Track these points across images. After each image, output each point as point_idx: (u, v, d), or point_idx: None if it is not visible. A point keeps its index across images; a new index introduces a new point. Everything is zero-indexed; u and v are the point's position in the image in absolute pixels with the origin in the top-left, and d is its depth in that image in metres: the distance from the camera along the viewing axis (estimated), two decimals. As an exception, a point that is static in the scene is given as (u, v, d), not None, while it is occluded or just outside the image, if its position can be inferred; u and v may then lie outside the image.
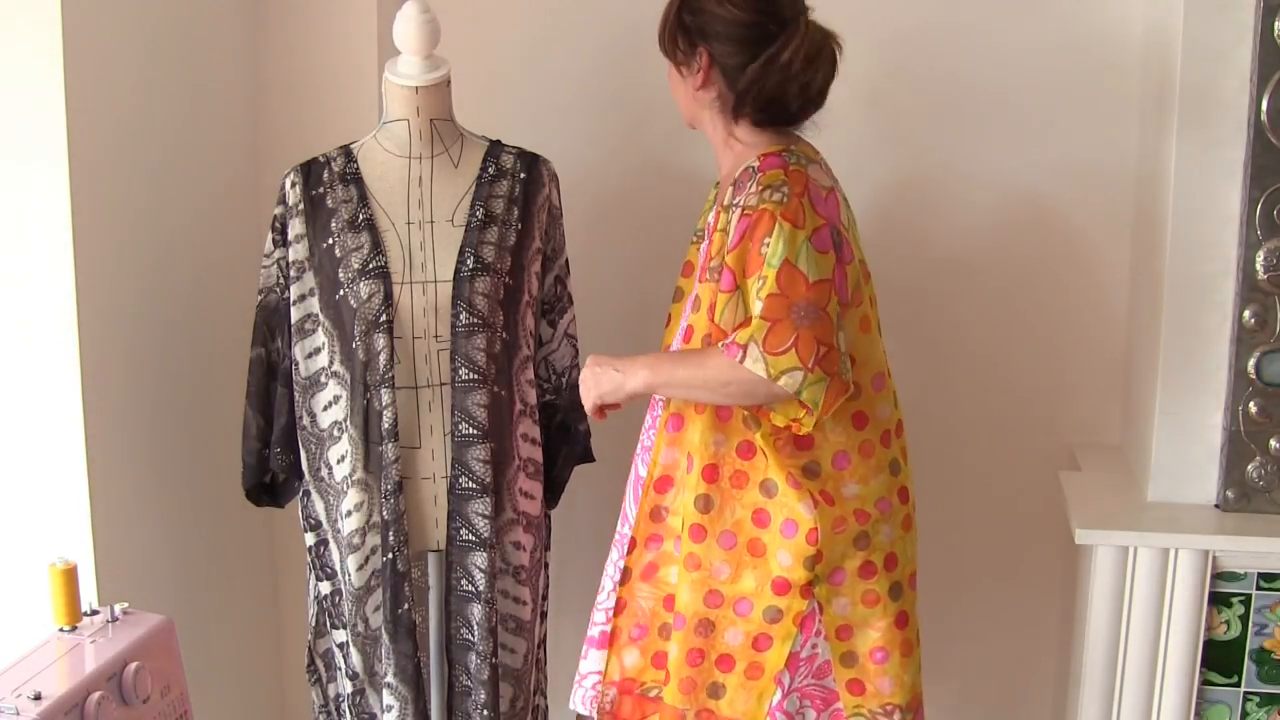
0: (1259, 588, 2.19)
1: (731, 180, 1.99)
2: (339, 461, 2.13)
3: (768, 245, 1.86)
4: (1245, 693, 2.24)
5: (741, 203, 1.92)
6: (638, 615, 2.08)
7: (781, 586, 1.97)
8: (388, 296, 2.08)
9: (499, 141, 2.22)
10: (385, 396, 2.07)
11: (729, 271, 1.91)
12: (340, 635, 2.20)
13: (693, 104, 2.03)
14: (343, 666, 2.21)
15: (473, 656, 2.14)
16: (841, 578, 1.99)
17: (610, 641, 2.10)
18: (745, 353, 1.82)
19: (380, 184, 2.14)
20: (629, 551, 2.08)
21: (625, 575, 2.08)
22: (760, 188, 1.90)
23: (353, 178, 2.14)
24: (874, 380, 1.99)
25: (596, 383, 1.99)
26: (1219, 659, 2.22)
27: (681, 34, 1.98)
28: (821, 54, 1.94)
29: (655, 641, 2.07)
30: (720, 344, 1.87)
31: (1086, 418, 2.66)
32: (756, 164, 1.94)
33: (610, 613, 2.11)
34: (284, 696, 2.77)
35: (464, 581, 2.13)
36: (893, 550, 2.02)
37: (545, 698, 2.40)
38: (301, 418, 2.17)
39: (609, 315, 2.47)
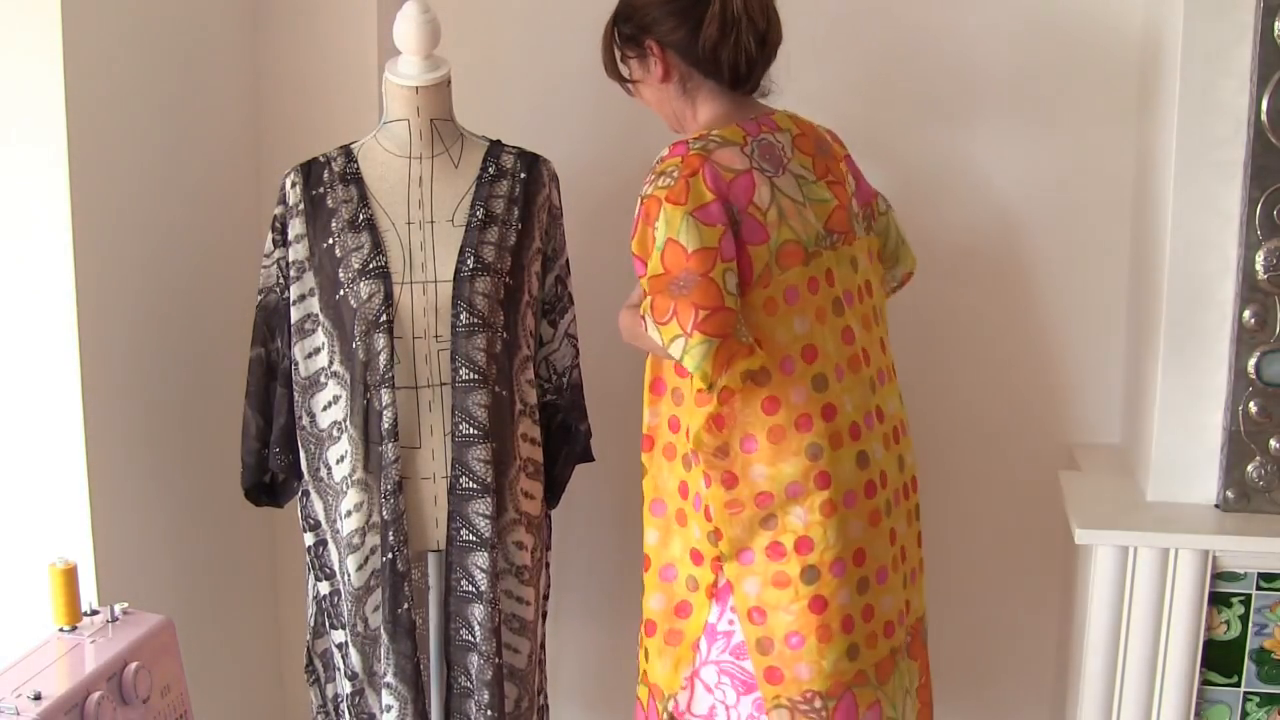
0: (1259, 588, 2.19)
1: None
2: (338, 461, 2.13)
3: (657, 228, 1.93)
4: (1245, 693, 2.24)
5: (641, 192, 1.99)
6: None
7: (697, 557, 2.05)
8: (388, 296, 2.08)
9: (499, 141, 2.22)
10: (385, 396, 2.07)
11: (636, 259, 1.99)
12: (339, 635, 2.20)
13: (666, 103, 2.08)
14: (342, 667, 2.21)
15: (474, 657, 2.14)
16: (750, 558, 2.01)
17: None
18: (645, 322, 1.93)
19: (380, 184, 2.14)
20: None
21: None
22: (655, 175, 1.97)
23: (353, 178, 2.14)
24: (782, 364, 1.97)
25: (623, 324, 2.11)
26: (1219, 659, 2.22)
27: (622, 45, 2.06)
28: (767, 4, 2.02)
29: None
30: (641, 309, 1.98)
31: (1086, 418, 2.66)
32: (665, 153, 1.99)
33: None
34: (284, 696, 2.77)
35: (464, 582, 2.13)
36: (807, 535, 1.98)
37: (547, 697, 2.40)
38: (301, 418, 2.17)
39: (609, 315, 2.46)
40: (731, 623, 2.04)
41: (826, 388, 1.99)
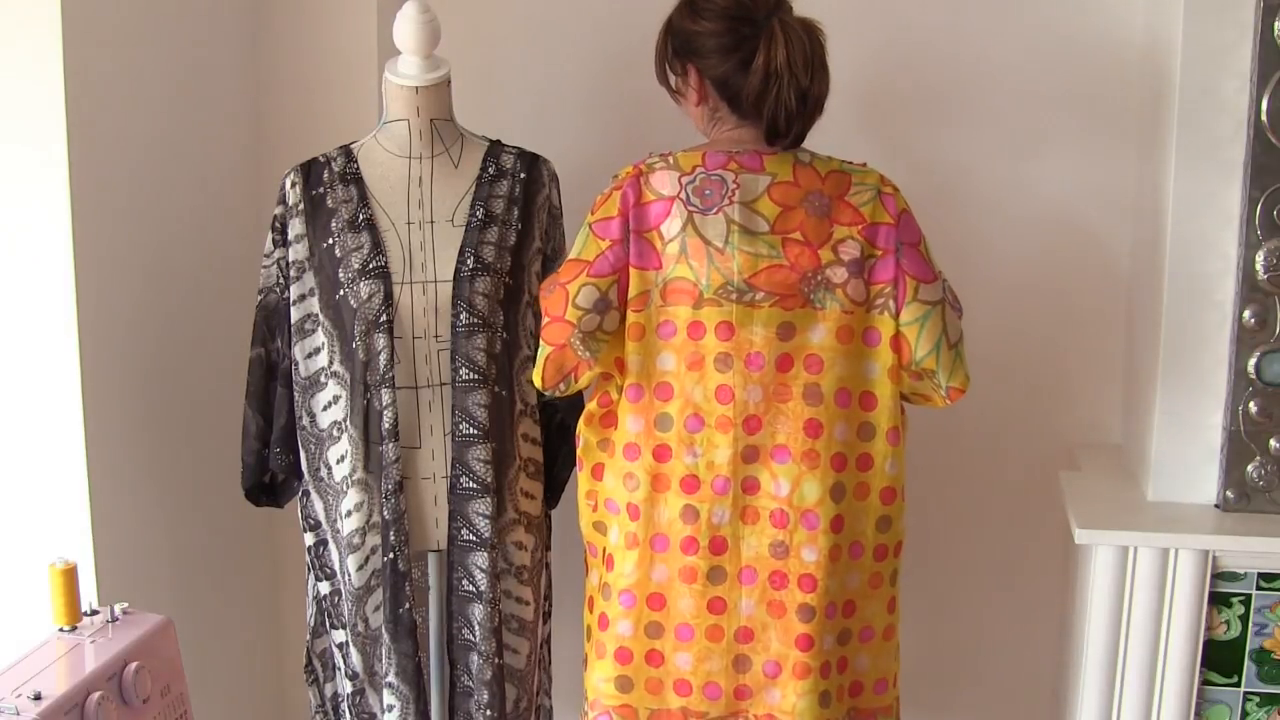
0: (1259, 588, 2.19)
1: None
2: (338, 461, 2.13)
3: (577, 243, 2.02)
4: (1245, 693, 2.23)
5: None
6: None
7: (590, 602, 2.16)
8: (388, 296, 2.08)
9: (499, 141, 2.22)
10: (385, 396, 2.07)
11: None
12: (340, 635, 2.20)
13: (697, 120, 2.07)
14: (342, 666, 2.21)
15: (474, 657, 2.14)
16: (594, 552, 2.12)
17: None
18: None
19: (380, 184, 2.14)
20: None
21: None
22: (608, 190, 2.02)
23: (353, 178, 2.14)
24: (631, 389, 1.97)
25: None
26: (1219, 659, 2.22)
27: (670, 59, 2.04)
28: (813, 59, 1.93)
29: None
30: None
31: (1086, 418, 2.66)
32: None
33: None
34: (284, 696, 2.77)
35: (465, 582, 2.13)
36: (613, 553, 2.03)
37: (549, 698, 2.40)
38: (301, 418, 2.17)
39: (609, 315, 2.47)
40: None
41: (669, 429, 1.96)
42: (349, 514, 2.12)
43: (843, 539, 1.98)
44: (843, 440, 1.97)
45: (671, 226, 1.94)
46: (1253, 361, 2.21)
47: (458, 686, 2.17)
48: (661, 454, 1.97)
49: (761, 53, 1.92)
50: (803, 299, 1.94)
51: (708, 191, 1.95)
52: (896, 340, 1.97)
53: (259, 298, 2.19)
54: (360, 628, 2.15)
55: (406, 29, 2.12)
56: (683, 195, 1.95)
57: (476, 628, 2.13)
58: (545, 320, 1.98)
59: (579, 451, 2.09)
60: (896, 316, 1.97)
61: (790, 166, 1.97)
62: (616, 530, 2.03)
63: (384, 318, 2.07)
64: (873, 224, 1.97)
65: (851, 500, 1.99)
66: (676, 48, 2.01)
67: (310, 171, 2.15)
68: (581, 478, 2.10)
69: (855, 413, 1.98)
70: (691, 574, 1.98)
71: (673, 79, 2.04)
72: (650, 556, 1.99)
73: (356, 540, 2.12)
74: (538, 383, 2.01)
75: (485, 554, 2.11)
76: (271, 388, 2.20)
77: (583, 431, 2.07)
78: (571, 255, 1.98)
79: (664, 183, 1.96)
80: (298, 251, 2.15)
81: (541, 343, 1.98)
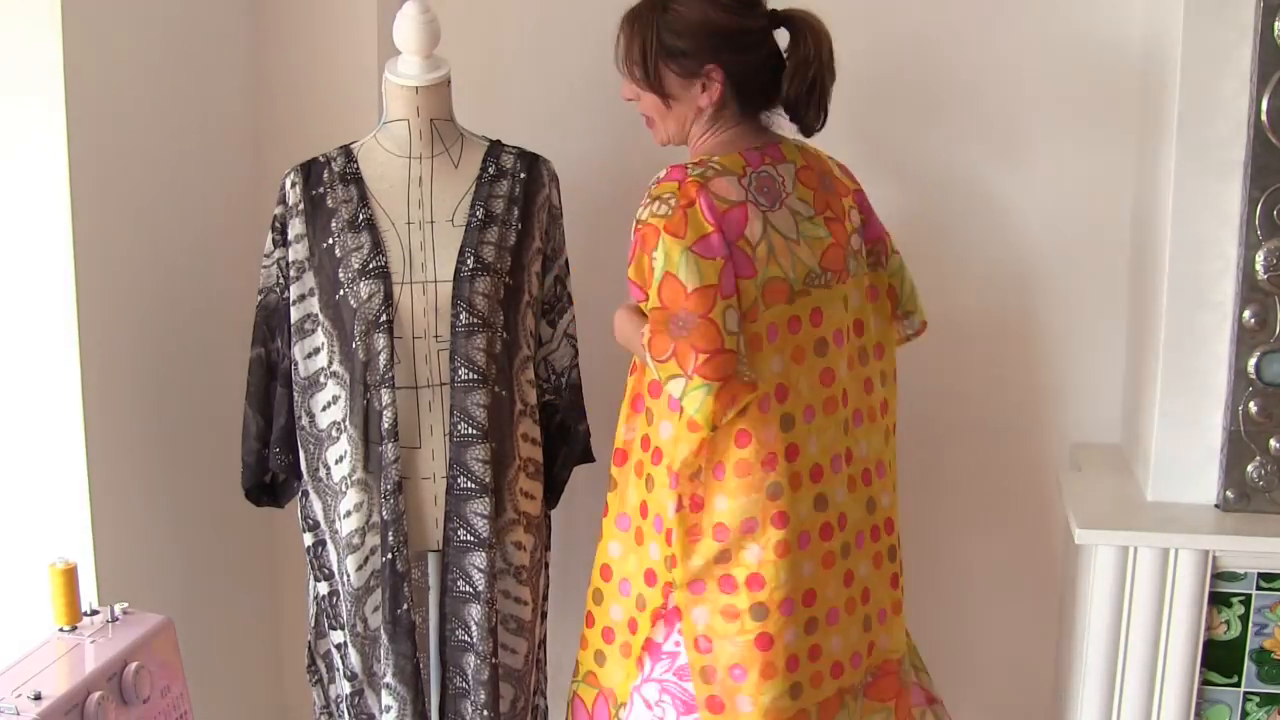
0: (1259, 588, 2.19)
1: None
2: (337, 462, 2.13)
3: (655, 259, 1.91)
4: (1245, 693, 2.24)
5: (636, 215, 1.97)
6: None
7: (650, 577, 2.05)
8: (388, 296, 2.08)
9: (499, 141, 2.22)
10: (385, 396, 2.07)
11: (633, 284, 1.99)
12: (338, 636, 2.20)
13: (677, 120, 2.04)
14: (341, 667, 2.21)
15: (471, 657, 2.14)
16: (701, 588, 1.99)
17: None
18: (645, 354, 1.94)
19: (380, 184, 2.14)
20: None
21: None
22: (650, 200, 1.95)
23: (353, 178, 2.14)
24: (761, 401, 1.95)
25: (618, 326, 2.08)
26: (1219, 659, 2.22)
27: (667, 58, 1.98)
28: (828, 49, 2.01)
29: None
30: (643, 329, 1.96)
31: (1086, 418, 2.66)
32: (662, 174, 1.97)
33: None
34: (284, 697, 2.77)
35: (460, 582, 2.12)
36: (759, 572, 1.96)
37: (545, 698, 2.40)
38: (301, 418, 2.17)
39: (609, 315, 2.47)
40: (678, 644, 2.04)
41: (793, 428, 1.97)
42: (348, 514, 2.12)
43: (889, 476, 2.16)
44: (879, 390, 2.13)
45: (754, 229, 1.94)
46: (1253, 361, 2.22)
47: (450, 688, 2.17)
48: (792, 453, 1.97)
49: (804, 44, 1.98)
50: (846, 271, 2.05)
51: (766, 189, 1.98)
52: (891, 290, 2.15)
53: (259, 298, 2.19)
54: (359, 628, 2.15)
55: (406, 29, 2.12)
56: (750, 197, 1.95)
57: (474, 628, 2.13)
58: (702, 357, 1.85)
59: (675, 492, 1.96)
60: (885, 269, 2.15)
61: (798, 153, 2.06)
62: (758, 548, 1.95)
63: (384, 318, 2.07)
64: (855, 191, 2.13)
65: (888, 439, 2.17)
66: (683, 49, 1.97)
67: (310, 171, 2.15)
68: (679, 518, 1.96)
69: (878, 364, 2.14)
70: (830, 559, 2.03)
71: (664, 80, 1.99)
72: (799, 557, 1.98)
73: (355, 541, 2.12)
74: (705, 424, 1.88)
75: (483, 554, 2.11)
76: (271, 388, 2.20)
77: (690, 462, 1.94)
78: (690, 285, 1.87)
79: (728, 188, 1.94)
80: (298, 251, 2.15)
81: (702, 381, 1.85)
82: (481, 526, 2.11)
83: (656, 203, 1.93)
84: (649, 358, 1.92)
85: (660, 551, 2.01)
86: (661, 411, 1.98)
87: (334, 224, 2.12)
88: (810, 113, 2.01)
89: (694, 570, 1.98)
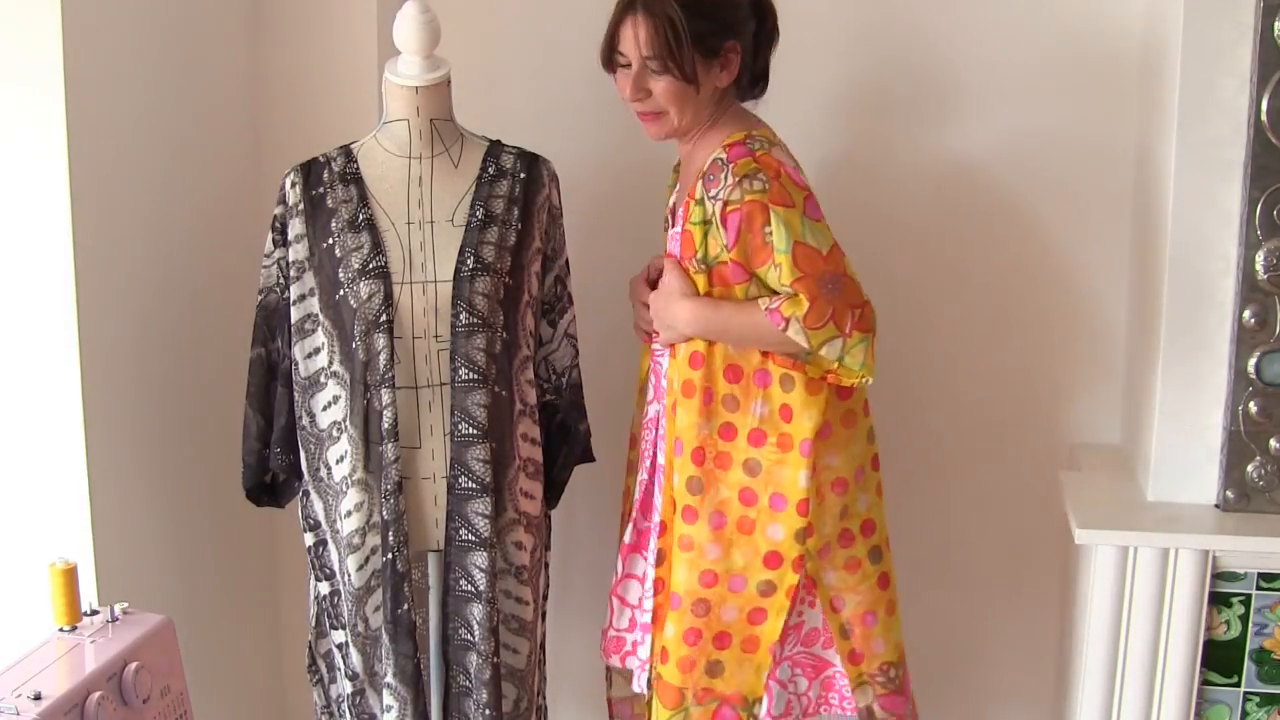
0: (1259, 588, 2.19)
1: (699, 172, 2.05)
2: (338, 462, 2.13)
3: (770, 233, 1.95)
4: (1245, 693, 2.24)
5: (721, 196, 1.99)
6: None
7: (773, 560, 2.06)
8: (388, 296, 2.08)
9: (499, 141, 2.22)
10: (385, 396, 2.07)
11: (736, 265, 2.00)
12: (339, 636, 2.20)
13: (704, 104, 2.07)
14: (342, 667, 2.21)
15: (473, 657, 2.14)
16: (827, 551, 2.08)
17: (655, 622, 2.17)
18: (788, 325, 1.95)
19: (380, 184, 2.14)
20: (661, 534, 2.15)
21: (660, 557, 2.16)
22: (737, 179, 1.97)
23: (353, 178, 2.14)
24: None
25: (667, 309, 2.07)
26: (1219, 659, 2.22)
27: (705, 38, 2.01)
28: None
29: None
30: (764, 306, 1.98)
31: (1086, 418, 2.66)
32: (724, 155, 2.01)
33: (651, 596, 2.18)
34: (284, 696, 2.77)
35: (462, 582, 2.13)
36: (870, 517, 2.12)
37: (545, 698, 2.40)
38: (301, 418, 2.17)
39: (609, 315, 2.47)
40: (802, 614, 2.11)
41: None
42: (349, 514, 2.12)
43: None
44: None
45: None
46: (1253, 361, 2.21)
47: (454, 687, 2.17)
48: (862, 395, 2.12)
49: (770, 16, 2.09)
50: None
51: (795, 160, 2.09)
52: None
53: (259, 298, 2.19)
54: (360, 628, 2.15)
55: (406, 29, 2.12)
56: (795, 161, 2.07)
57: (475, 627, 2.13)
58: (856, 313, 1.95)
59: (808, 461, 2.01)
60: None
61: (770, 130, 2.13)
62: (865, 495, 2.12)
63: (384, 318, 2.07)
64: None
65: None
66: (707, 30, 1.99)
67: (310, 171, 2.15)
68: (811, 488, 2.02)
69: None
70: (880, 488, 2.18)
71: (699, 64, 2.01)
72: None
73: (356, 540, 2.12)
74: (869, 375, 1.99)
75: (484, 554, 2.11)
76: (272, 388, 2.20)
77: (810, 436, 2.01)
78: (823, 247, 1.96)
79: (783, 155, 2.05)
80: (298, 251, 2.15)
81: (860, 336, 1.96)
82: (482, 526, 2.11)
83: (745, 180, 1.97)
84: (798, 328, 1.94)
85: (787, 529, 2.04)
86: (761, 392, 2.04)
87: (334, 224, 2.12)
88: (764, 80, 2.13)
89: (825, 534, 2.08)
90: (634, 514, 2.26)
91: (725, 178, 1.99)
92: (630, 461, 2.34)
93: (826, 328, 1.94)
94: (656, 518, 2.19)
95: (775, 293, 2.00)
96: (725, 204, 1.98)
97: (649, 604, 2.20)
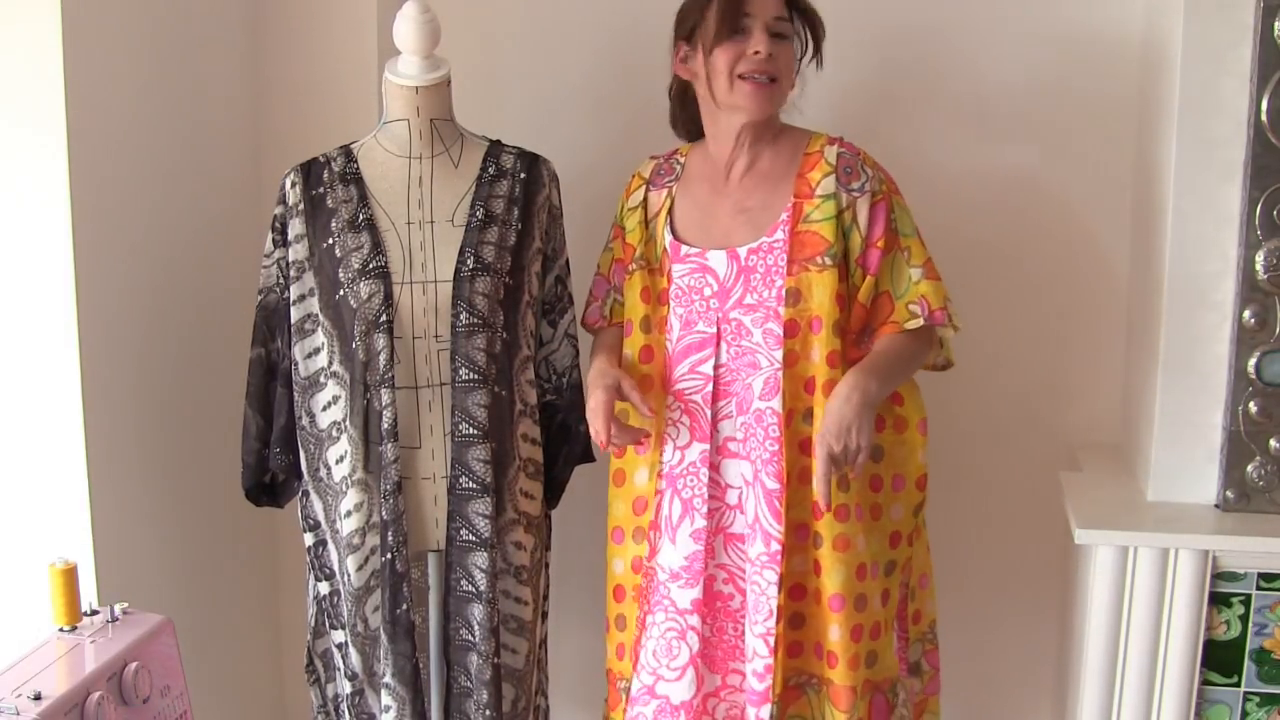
0: (1259, 588, 2.19)
1: (794, 167, 2.12)
2: (338, 462, 2.13)
3: (895, 219, 2.11)
4: (1245, 693, 2.23)
5: (869, 187, 2.10)
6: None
7: (895, 539, 2.17)
8: (388, 296, 2.08)
9: (499, 141, 2.22)
10: (385, 396, 2.07)
11: (878, 251, 2.10)
12: (339, 635, 2.20)
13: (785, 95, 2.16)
14: (341, 667, 2.21)
15: (473, 657, 2.14)
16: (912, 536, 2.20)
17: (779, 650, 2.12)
18: (947, 314, 2.11)
19: (380, 184, 2.14)
20: (786, 556, 2.09)
21: (781, 582, 2.10)
22: (872, 171, 2.11)
23: (353, 178, 2.14)
24: None
25: (865, 425, 2.02)
26: (1219, 659, 2.22)
27: (815, 28, 2.17)
28: None
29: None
30: (913, 324, 2.09)
31: (1086, 418, 2.66)
32: (843, 150, 2.13)
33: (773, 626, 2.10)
34: (284, 696, 2.77)
35: (464, 582, 2.13)
36: (923, 473, 2.20)
37: (546, 698, 2.40)
38: (301, 418, 2.17)
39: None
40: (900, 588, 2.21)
41: None
42: (348, 514, 2.12)
43: None
44: None
45: None
46: (1253, 361, 2.21)
47: (455, 687, 2.17)
48: None
49: (821, 46, 2.21)
50: None
51: None
52: None
53: (259, 298, 2.19)
54: (359, 628, 2.15)
55: (406, 29, 2.12)
56: None
57: (476, 628, 2.13)
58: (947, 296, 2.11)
59: (883, 466, 2.15)
60: None
61: None
62: (922, 453, 2.20)
63: (384, 318, 2.07)
64: None
65: None
66: (809, 27, 2.16)
67: (310, 171, 2.15)
68: (925, 463, 2.17)
69: None
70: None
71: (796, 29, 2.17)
72: None
73: (356, 540, 2.12)
74: (951, 358, 2.21)
75: (485, 554, 2.11)
76: (271, 388, 2.20)
77: (925, 414, 2.18)
78: (918, 234, 2.14)
79: None
80: (298, 251, 2.15)
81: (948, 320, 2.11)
82: (483, 526, 2.11)
83: (876, 170, 2.12)
84: (949, 318, 2.11)
85: (906, 507, 2.16)
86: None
87: (334, 224, 2.12)
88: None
89: (916, 523, 2.21)
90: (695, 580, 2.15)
91: (862, 169, 2.10)
92: (639, 529, 2.23)
93: (949, 302, 2.11)
94: (767, 546, 2.08)
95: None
96: (874, 195, 2.09)
97: (764, 652, 2.10)
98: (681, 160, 2.23)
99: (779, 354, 2.07)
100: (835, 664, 2.11)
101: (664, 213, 2.19)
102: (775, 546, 2.07)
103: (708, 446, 2.13)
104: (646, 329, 2.18)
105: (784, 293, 2.06)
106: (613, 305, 2.27)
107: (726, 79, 2.06)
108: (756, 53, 2.03)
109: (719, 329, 2.12)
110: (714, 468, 2.14)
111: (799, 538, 2.11)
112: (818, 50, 2.17)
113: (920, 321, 2.09)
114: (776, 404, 2.07)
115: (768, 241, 2.09)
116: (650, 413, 2.12)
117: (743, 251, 2.10)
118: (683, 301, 2.15)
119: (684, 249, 2.15)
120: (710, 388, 2.13)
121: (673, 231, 2.17)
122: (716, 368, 2.13)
